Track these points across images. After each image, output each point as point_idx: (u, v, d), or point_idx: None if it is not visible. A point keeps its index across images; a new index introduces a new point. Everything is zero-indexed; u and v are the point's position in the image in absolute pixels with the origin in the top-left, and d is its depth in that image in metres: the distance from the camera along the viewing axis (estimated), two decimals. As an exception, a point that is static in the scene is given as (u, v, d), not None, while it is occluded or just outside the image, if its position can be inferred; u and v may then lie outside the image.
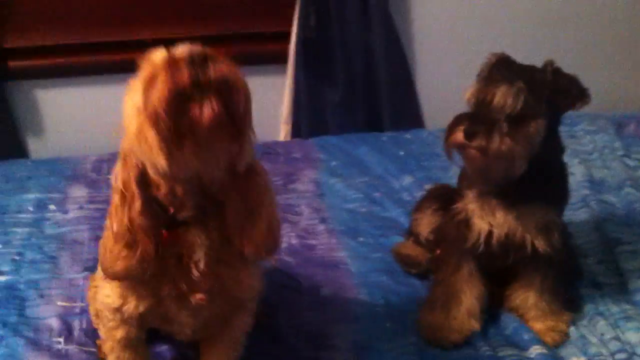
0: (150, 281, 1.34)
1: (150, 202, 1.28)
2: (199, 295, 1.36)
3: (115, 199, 1.28)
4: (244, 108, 1.16)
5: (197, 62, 1.11)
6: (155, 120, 1.12)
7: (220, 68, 1.13)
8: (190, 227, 1.31)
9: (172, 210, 1.29)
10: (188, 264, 1.32)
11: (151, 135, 1.14)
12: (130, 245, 1.27)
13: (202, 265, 1.32)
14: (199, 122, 1.12)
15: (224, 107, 1.12)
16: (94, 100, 2.89)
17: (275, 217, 1.38)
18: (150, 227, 1.27)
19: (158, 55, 1.17)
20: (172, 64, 1.13)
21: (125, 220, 1.26)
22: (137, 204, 1.26)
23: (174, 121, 1.12)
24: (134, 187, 1.26)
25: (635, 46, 3.15)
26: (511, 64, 1.66)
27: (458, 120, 1.61)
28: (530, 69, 1.63)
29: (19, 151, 2.91)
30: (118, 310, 1.42)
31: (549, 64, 1.63)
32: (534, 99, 1.56)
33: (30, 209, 2.39)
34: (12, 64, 2.81)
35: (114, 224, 1.29)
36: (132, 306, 1.40)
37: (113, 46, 2.85)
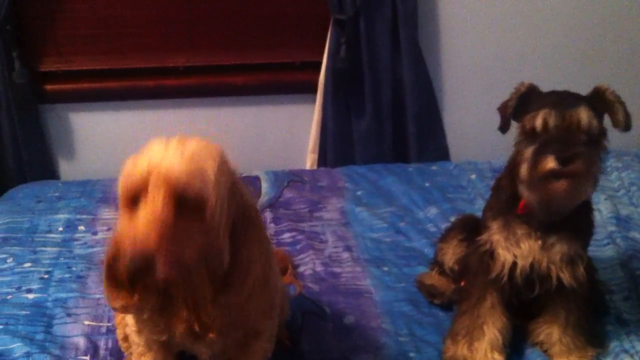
0: (163, 316, 1.35)
1: None
2: (210, 335, 1.35)
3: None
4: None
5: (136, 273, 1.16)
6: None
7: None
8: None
9: None
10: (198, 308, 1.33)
11: None
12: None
13: (209, 308, 1.31)
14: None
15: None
16: (127, 124, 2.95)
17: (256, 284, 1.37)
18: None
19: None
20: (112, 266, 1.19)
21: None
22: None
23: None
24: None
25: (665, 83, 3.15)
26: (542, 92, 1.69)
27: (543, 148, 1.58)
28: (568, 93, 1.65)
29: (50, 172, 2.98)
30: (139, 333, 1.46)
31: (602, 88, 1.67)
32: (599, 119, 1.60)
33: (60, 229, 2.43)
34: (48, 87, 2.88)
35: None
36: (147, 332, 1.44)
37: (147, 72, 2.93)
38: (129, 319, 1.48)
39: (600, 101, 1.65)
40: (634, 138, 2.87)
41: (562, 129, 1.58)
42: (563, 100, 1.60)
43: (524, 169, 1.62)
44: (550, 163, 1.56)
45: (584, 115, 1.56)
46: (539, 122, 1.59)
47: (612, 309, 2.00)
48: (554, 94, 1.66)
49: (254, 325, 1.47)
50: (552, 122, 1.57)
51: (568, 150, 1.55)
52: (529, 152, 1.61)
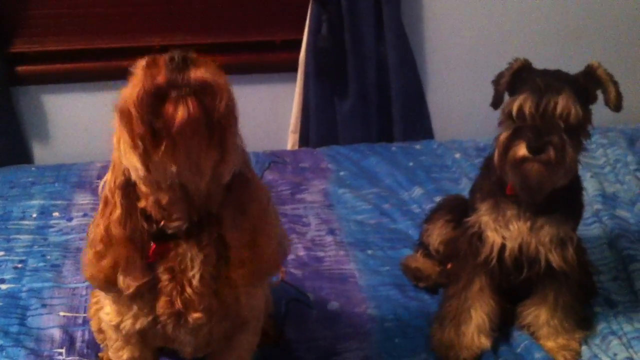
0: (145, 297, 1.30)
1: (134, 211, 1.24)
2: (195, 314, 1.29)
3: (100, 206, 1.26)
4: (225, 114, 1.12)
5: (176, 64, 1.08)
6: (127, 119, 1.09)
7: (201, 71, 1.09)
8: (181, 241, 1.26)
9: (161, 222, 1.25)
10: (182, 281, 1.27)
11: (125, 135, 1.12)
12: (101, 254, 1.25)
13: (195, 282, 1.27)
14: (173, 122, 1.08)
15: (203, 111, 1.09)
16: (101, 106, 2.82)
17: (276, 238, 1.32)
18: (128, 238, 1.23)
19: (145, 58, 1.14)
20: (151, 64, 1.10)
21: (102, 228, 1.24)
22: (117, 212, 1.23)
23: (147, 120, 1.08)
24: (115, 194, 1.23)
25: (648, 59, 3.12)
26: (534, 70, 1.64)
27: (517, 134, 1.56)
28: (556, 75, 1.61)
29: (24, 157, 2.89)
30: (117, 328, 1.39)
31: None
32: (583, 103, 1.55)
33: (34, 215, 2.36)
34: (19, 68, 2.79)
35: (91, 230, 1.27)
36: (128, 323, 1.36)
37: (121, 52, 2.82)
38: (107, 310, 1.41)
39: (592, 80, 1.62)
40: (618, 114, 2.86)
41: (538, 116, 1.54)
42: (547, 84, 1.55)
43: (497, 154, 1.61)
44: (522, 150, 1.55)
45: (562, 103, 1.52)
46: (515, 108, 1.56)
47: (600, 290, 1.97)
48: (542, 74, 1.61)
49: (244, 312, 1.40)
50: (528, 108, 1.54)
51: (541, 139, 1.52)
52: (503, 136, 1.59)
